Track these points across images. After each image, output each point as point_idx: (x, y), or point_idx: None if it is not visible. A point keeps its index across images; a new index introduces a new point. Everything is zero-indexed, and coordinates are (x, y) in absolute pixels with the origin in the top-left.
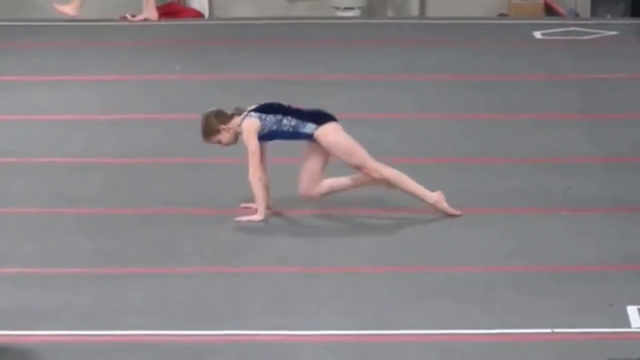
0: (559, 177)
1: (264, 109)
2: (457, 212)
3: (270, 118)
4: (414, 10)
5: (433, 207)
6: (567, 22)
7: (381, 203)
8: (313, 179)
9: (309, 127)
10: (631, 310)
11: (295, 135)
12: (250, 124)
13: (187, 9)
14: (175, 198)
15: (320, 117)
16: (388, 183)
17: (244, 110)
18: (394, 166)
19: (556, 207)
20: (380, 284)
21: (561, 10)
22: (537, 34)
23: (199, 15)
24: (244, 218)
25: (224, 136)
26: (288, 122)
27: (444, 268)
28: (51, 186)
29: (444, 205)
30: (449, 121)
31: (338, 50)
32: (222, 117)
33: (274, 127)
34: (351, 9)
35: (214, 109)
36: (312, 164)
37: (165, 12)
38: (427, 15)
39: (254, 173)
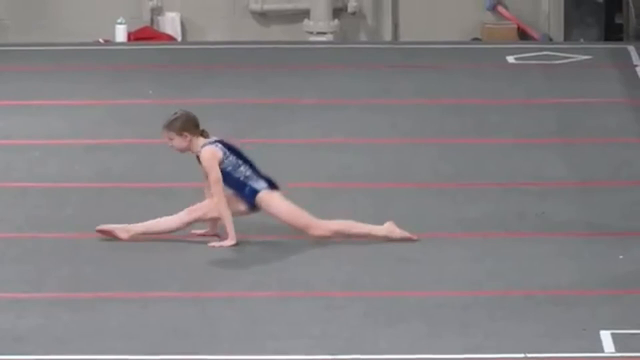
0: (534, 201)
1: (230, 147)
2: (414, 237)
3: (232, 159)
4: (387, 34)
5: (386, 239)
6: (541, 46)
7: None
8: None
9: (260, 184)
10: (604, 335)
11: (242, 186)
12: (215, 153)
13: (160, 33)
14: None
15: (272, 182)
16: (341, 235)
17: (208, 137)
18: (368, 190)
19: (531, 231)
20: (354, 308)
21: (535, 34)
22: (511, 59)
23: (172, 39)
24: (217, 243)
25: (180, 142)
26: (244, 171)
27: (418, 292)
28: (26, 210)
29: (398, 233)
30: (423, 145)
31: (311, 75)
32: (192, 126)
33: (229, 169)
34: (324, 33)
35: (192, 114)
36: None
37: (140, 36)
38: (401, 40)
39: (220, 200)
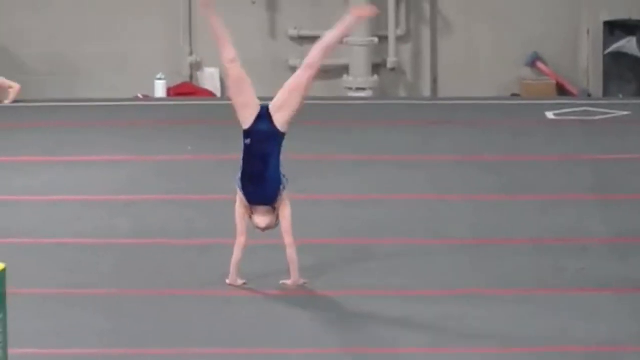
0: (571, 257)
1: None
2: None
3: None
4: (426, 90)
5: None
6: (580, 102)
7: (380, 281)
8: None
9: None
10: None
11: None
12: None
13: (200, 89)
14: (188, 278)
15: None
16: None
17: None
18: (404, 247)
19: (568, 287)
20: None
21: (573, 90)
22: (550, 114)
23: (211, 94)
24: (288, 281)
25: None
26: None
27: (457, 349)
28: (65, 266)
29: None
30: (460, 201)
31: (350, 130)
32: None
33: None
34: (363, 89)
35: None
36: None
37: (179, 92)
38: (439, 96)
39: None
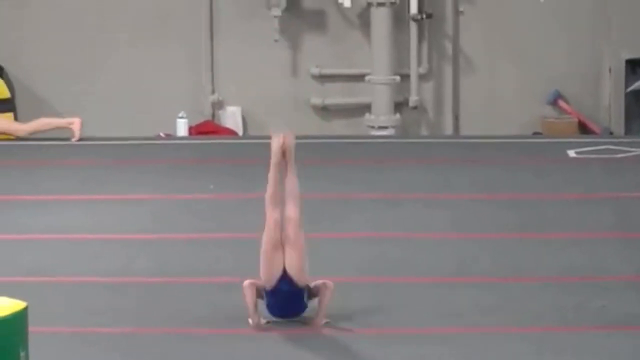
0: (593, 295)
1: None
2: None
3: None
4: (448, 127)
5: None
6: (601, 140)
7: (402, 319)
8: None
9: None
10: None
11: None
12: None
13: (221, 127)
14: (211, 317)
15: None
16: None
17: None
18: (426, 286)
19: (590, 325)
20: None
21: (595, 128)
22: (572, 152)
23: (233, 133)
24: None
25: None
26: None
27: None
28: (86, 305)
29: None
30: (482, 240)
31: (372, 169)
32: None
33: None
34: (385, 127)
35: None
36: None
37: (201, 130)
38: (461, 134)
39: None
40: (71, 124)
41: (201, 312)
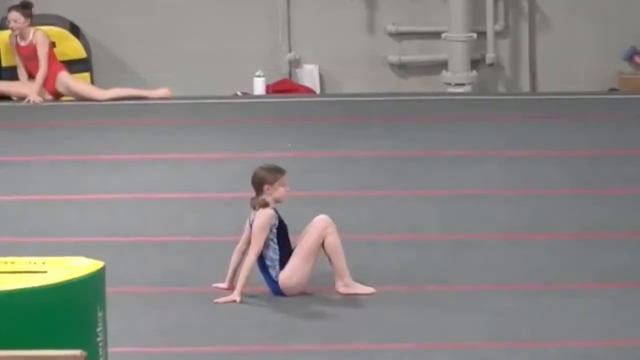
0: None
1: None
2: (370, 290)
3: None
4: (525, 85)
5: (343, 295)
6: None
7: (479, 276)
8: None
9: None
10: None
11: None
12: (270, 217)
13: (299, 85)
14: None
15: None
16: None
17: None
18: (508, 241)
19: None
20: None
21: None
22: None
23: (310, 91)
24: (222, 299)
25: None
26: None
27: (557, 343)
28: (165, 265)
29: (353, 288)
30: (562, 196)
31: (449, 126)
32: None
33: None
34: (462, 84)
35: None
36: None
37: (278, 89)
38: (538, 91)
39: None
40: (157, 95)
41: None
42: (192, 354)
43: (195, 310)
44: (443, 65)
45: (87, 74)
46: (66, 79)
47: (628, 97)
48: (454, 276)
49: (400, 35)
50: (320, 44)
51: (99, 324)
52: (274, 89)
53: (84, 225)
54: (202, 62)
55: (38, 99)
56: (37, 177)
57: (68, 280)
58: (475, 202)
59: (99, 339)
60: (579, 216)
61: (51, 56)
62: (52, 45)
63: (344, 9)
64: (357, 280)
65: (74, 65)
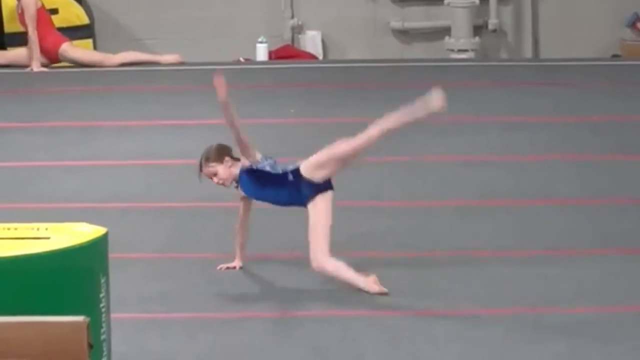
0: None
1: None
2: (384, 290)
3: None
4: (528, 51)
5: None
6: None
7: (485, 242)
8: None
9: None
10: None
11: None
12: None
13: (301, 52)
14: (294, 242)
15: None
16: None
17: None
18: (510, 208)
19: None
20: (496, 326)
21: None
22: None
23: (313, 57)
24: (224, 265)
25: (224, 170)
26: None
27: (559, 309)
28: (169, 231)
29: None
30: (563, 162)
31: (452, 93)
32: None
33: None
34: (465, 50)
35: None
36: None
37: (281, 55)
38: (541, 57)
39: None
40: (167, 60)
41: (282, 237)
42: (195, 319)
43: (198, 277)
44: (446, 31)
45: (89, 41)
46: (70, 52)
47: (631, 63)
48: (459, 242)
49: (403, 2)
50: (323, 10)
51: (102, 290)
52: (276, 55)
53: (88, 192)
54: (204, 28)
55: (40, 69)
56: (39, 143)
57: (71, 247)
58: (477, 168)
59: (102, 305)
60: (581, 182)
61: (48, 26)
62: (51, 13)
63: None
64: (360, 247)
65: (77, 32)
